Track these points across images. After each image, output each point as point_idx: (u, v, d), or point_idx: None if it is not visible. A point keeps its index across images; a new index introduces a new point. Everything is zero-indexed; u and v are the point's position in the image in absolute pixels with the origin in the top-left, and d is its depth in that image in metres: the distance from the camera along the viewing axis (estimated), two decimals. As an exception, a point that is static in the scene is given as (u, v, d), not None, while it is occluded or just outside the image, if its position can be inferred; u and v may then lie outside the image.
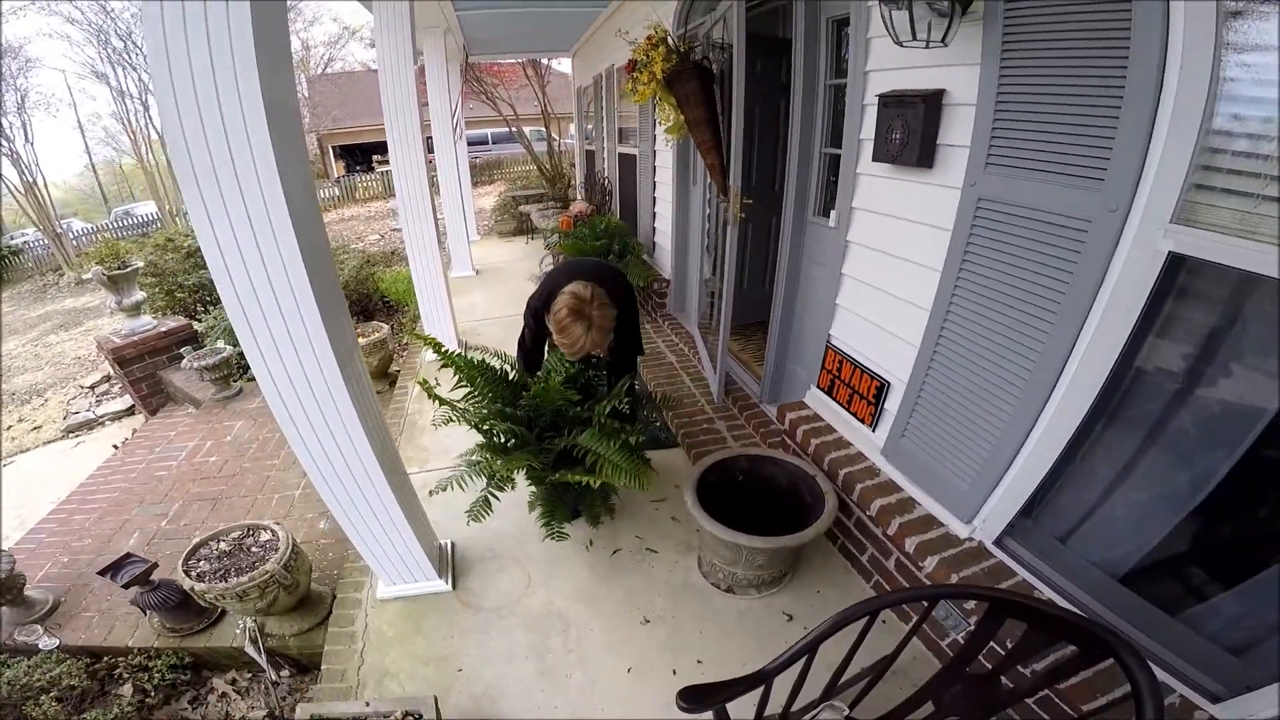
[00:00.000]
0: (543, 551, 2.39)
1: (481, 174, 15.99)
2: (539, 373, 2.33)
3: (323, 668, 1.98)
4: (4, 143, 13.82)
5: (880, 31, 1.75)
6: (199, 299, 6.06)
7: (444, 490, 2.08)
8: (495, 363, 2.22)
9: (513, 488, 2.19)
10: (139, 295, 4.72)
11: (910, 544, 1.91)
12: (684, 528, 2.48)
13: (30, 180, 13.59)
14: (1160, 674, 1.41)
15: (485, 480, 2.12)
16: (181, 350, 4.67)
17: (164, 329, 4.73)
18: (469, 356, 2.19)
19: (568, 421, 2.14)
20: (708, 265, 4.00)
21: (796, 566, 2.26)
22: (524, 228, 8.76)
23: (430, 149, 5.45)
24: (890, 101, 1.90)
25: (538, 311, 2.23)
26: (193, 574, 2.13)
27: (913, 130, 1.81)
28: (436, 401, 2.12)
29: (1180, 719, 1.36)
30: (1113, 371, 1.47)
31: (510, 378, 2.24)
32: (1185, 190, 1.25)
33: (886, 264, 2.12)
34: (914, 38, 1.60)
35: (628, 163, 5.80)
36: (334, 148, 20.18)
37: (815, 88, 2.49)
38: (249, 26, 1.15)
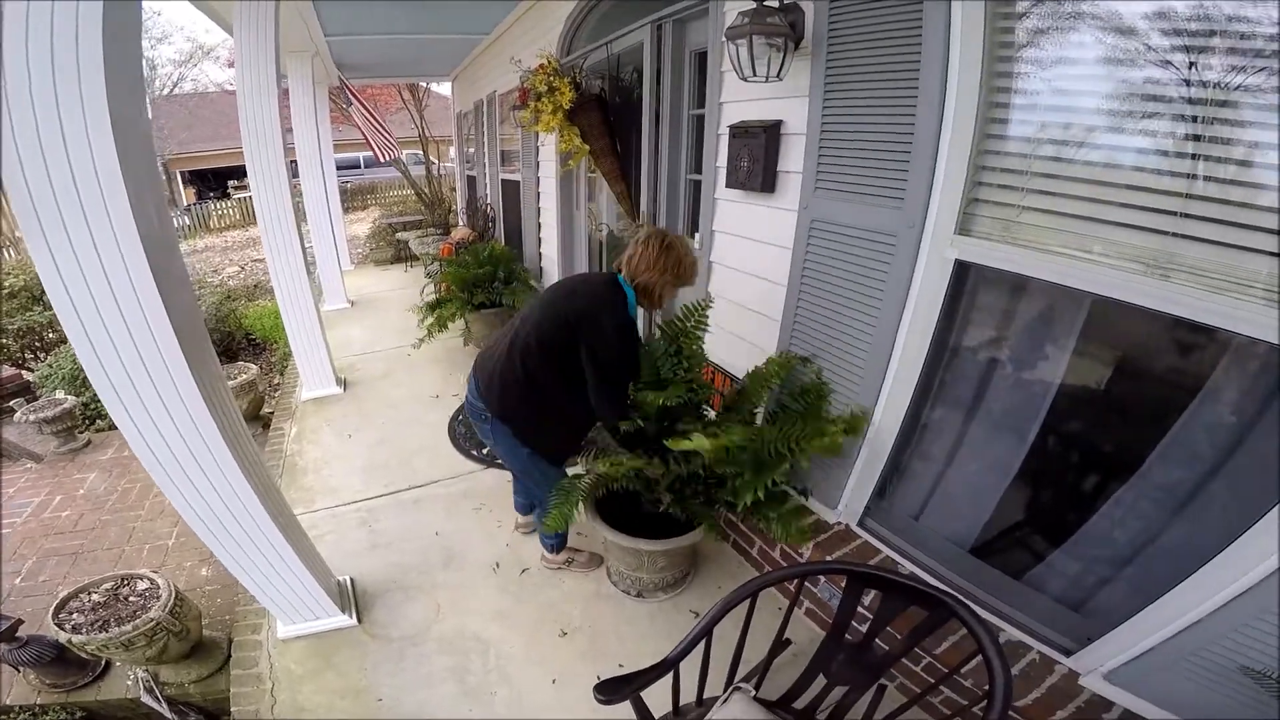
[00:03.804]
0: (449, 579, 2.37)
1: (354, 199, 15.19)
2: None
3: (232, 710, 1.87)
4: None
5: (730, 65, 1.93)
6: (27, 345, 5.27)
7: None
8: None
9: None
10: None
11: (788, 531, 2.10)
12: (589, 541, 2.52)
13: None
14: (1017, 634, 1.62)
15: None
16: (13, 404, 4.10)
17: (-13, 380, 4.11)
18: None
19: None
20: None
21: (697, 566, 2.40)
22: (402, 255, 8.44)
23: (295, 174, 5.18)
24: (739, 131, 2.13)
25: (627, 320, 1.78)
26: (66, 626, 2.06)
27: (756, 158, 2.05)
28: None
29: (1042, 673, 1.53)
30: (926, 363, 1.73)
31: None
32: (964, 206, 1.53)
33: (744, 281, 2.34)
34: (754, 74, 1.82)
35: (511, 188, 5.79)
36: (183, 173, 18.14)
37: (681, 117, 2.69)
38: (99, 28, 1.10)
